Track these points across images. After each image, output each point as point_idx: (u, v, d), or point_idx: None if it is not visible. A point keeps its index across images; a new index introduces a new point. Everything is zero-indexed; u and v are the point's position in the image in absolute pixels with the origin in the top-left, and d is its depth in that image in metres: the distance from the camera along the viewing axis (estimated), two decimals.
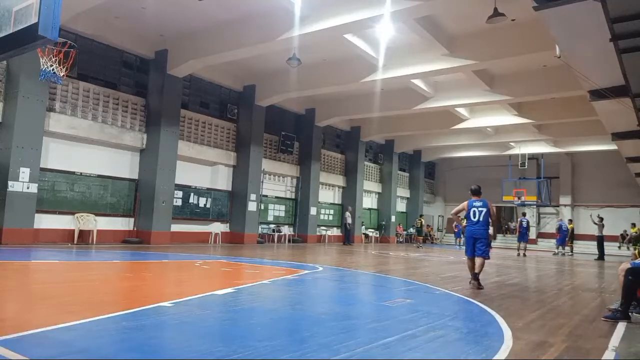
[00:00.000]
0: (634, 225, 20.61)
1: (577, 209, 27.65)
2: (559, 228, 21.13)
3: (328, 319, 4.88)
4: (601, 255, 19.31)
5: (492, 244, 8.57)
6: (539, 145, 25.30)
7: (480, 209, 8.02)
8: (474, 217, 8.05)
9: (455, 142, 25.24)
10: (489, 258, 8.15)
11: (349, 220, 21.91)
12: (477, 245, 7.98)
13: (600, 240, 19.59)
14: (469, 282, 8.14)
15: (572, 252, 22.12)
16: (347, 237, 21.84)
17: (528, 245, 20.78)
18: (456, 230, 27.15)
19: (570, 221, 23.15)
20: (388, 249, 20.11)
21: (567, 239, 21.27)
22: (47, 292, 5.70)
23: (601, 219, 20.11)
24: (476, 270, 7.96)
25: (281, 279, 8.03)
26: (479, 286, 7.78)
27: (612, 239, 25.89)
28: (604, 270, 13.64)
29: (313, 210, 21.08)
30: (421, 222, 24.01)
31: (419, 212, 29.36)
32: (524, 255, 18.96)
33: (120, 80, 14.58)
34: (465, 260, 8.32)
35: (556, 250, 21.56)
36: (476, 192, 8.32)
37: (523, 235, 19.67)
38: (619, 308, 5.40)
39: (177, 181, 15.41)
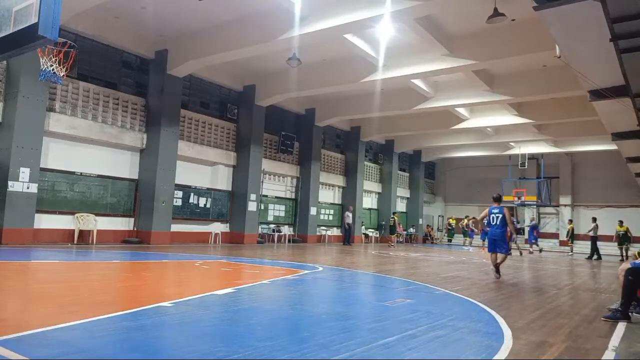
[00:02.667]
0: (621, 223, 20.15)
1: (577, 209, 27.64)
2: (533, 227, 21.76)
3: (328, 319, 4.88)
4: (594, 255, 19.34)
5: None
6: (539, 145, 25.29)
7: (497, 214, 9.59)
8: (493, 222, 9.63)
9: (455, 142, 25.23)
10: (510, 254, 9.87)
11: (349, 220, 21.79)
12: (497, 244, 9.60)
13: (594, 240, 19.58)
14: (493, 274, 9.61)
15: (572, 251, 22.12)
16: (347, 237, 21.75)
17: (525, 245, 21.02)
18: (470, 231, 26.59)
19: (570, 221, 23.16)
20: (388, 249, 20.10)
21: (537, 238, 21.58)
22: (47, 292, 5.70)
23: (594, 219, 20.07)
24: (498, 264, 9.59)
25: (281, 279, 8.03)
26: (498, 274, 9.47)
27: (613, 239, 25.87)
28: (604, 271, 13.64)
29: (313, 210, 21.08)
30: (394, 220, 23.48)
31: (420, 212, 29.37)
32: (521, 254, 19.43)
33: (120, 80, 14.58)
34: (489, 255, 9.91)
35: (531, 249, 21.70)
36: (496, 200, 9.97)
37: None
38: (619, 308, 5.40)
39: (177, 181, 15.41)
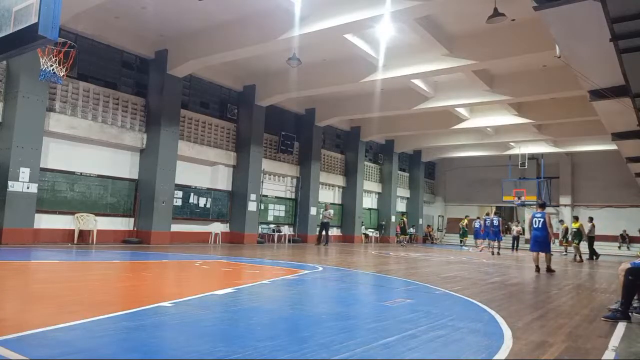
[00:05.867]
0: (576, 219, 18.70)
1: (577, 209, 27.64)
2: (490, 223, 20.13)
3: (328, 319, 4.88)
4: (592, 255, 19.20)
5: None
6: (539, 145, 25.31)
7: (539, 219, 11.22)
8: (535, 225, 11.21)
9: (455, 142, 25.24)
10: (549, 252, 11.40)
11: (325, 219, 19.41)
12: (541, 245, 11.20)
13: (591, 240, 19.44)
14: (534, 270, 11.20)
15: (568, 252, 22.11)
16: (320, 237, 19.47)
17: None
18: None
19: (562, 222, 23.13)
20: (388, 249, 20.11)
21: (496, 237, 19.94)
22: (47, 292, 5.70)
23: (590, 219, 19.92)
24: (547, 264, 11.22)
25: (281, 279, 8.03)
26: (552, 271, 11.16)
27: (612, 239, 25.91)
28: (603, 270, 13.64)
29: (313, 210, 21.07)
30: (404, 222, 23.17)
31: (420, 212, 29.35)
32: (498, 253, 18.81)
33: (120, 80, 14.58)
34: (532, 254, 11.68)
35: (492, 250, 19.87)
36: (540, 206, 11.77)
37: (497, 233, 19.77)
38: (619, 308, 5.39)
39: (177, 181, 15.41)
